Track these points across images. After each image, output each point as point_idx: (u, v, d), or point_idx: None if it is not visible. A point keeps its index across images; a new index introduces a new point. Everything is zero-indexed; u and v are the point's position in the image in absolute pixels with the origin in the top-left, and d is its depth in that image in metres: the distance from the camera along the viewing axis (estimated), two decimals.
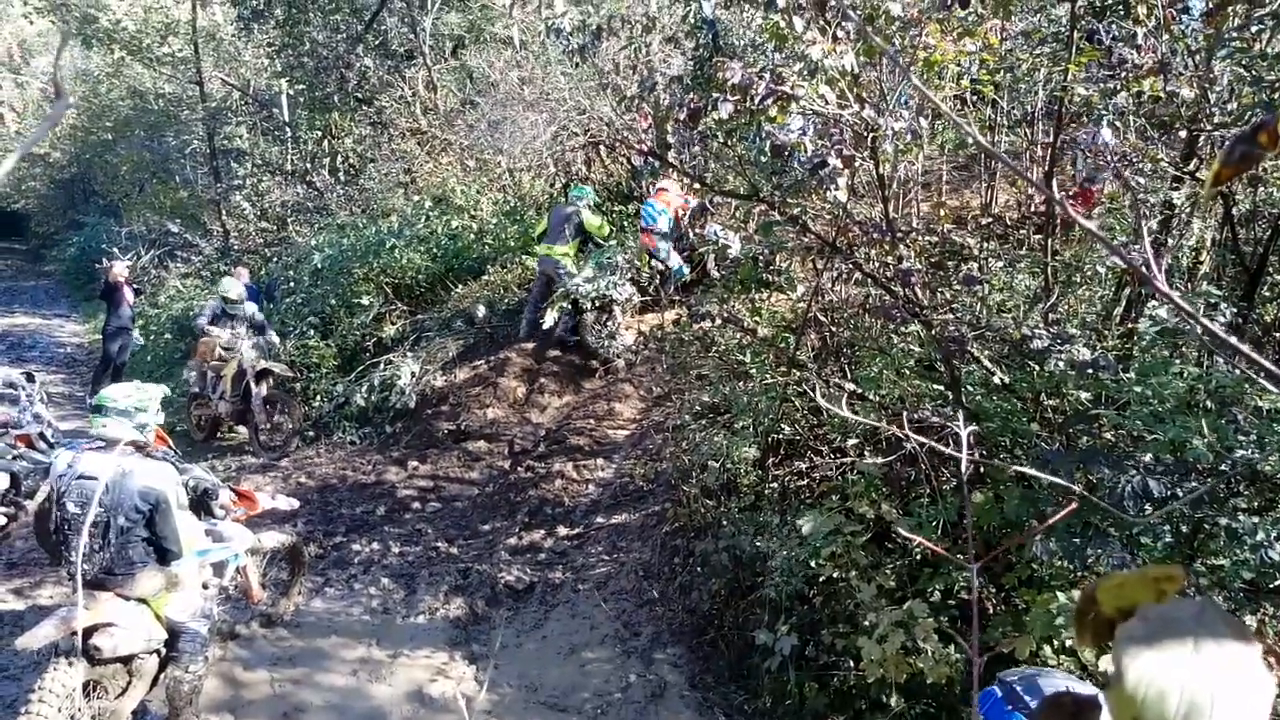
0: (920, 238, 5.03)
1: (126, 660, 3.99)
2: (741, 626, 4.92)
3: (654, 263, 8.62)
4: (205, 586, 4.43)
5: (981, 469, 4.44)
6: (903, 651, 3.87)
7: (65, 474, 3.90)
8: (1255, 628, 3.63)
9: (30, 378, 6.77)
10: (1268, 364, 0.71)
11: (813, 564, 4.45)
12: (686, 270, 8.50)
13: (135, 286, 11.64)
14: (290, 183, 14.60)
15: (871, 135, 4.03)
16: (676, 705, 4.58)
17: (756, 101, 3.86)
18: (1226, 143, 0.58)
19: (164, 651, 4.15)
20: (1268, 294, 5.12)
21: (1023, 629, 3.67)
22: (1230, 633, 0.49)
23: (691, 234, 8.52)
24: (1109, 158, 4.28)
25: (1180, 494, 3.28)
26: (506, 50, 12.41)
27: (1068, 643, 3.47)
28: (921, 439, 3.49)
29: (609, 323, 8.68)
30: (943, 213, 6.42)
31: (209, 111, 16.56)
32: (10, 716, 3.72)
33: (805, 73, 3.78)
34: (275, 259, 13.80)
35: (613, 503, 6.79)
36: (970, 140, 5.27)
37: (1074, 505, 3.13)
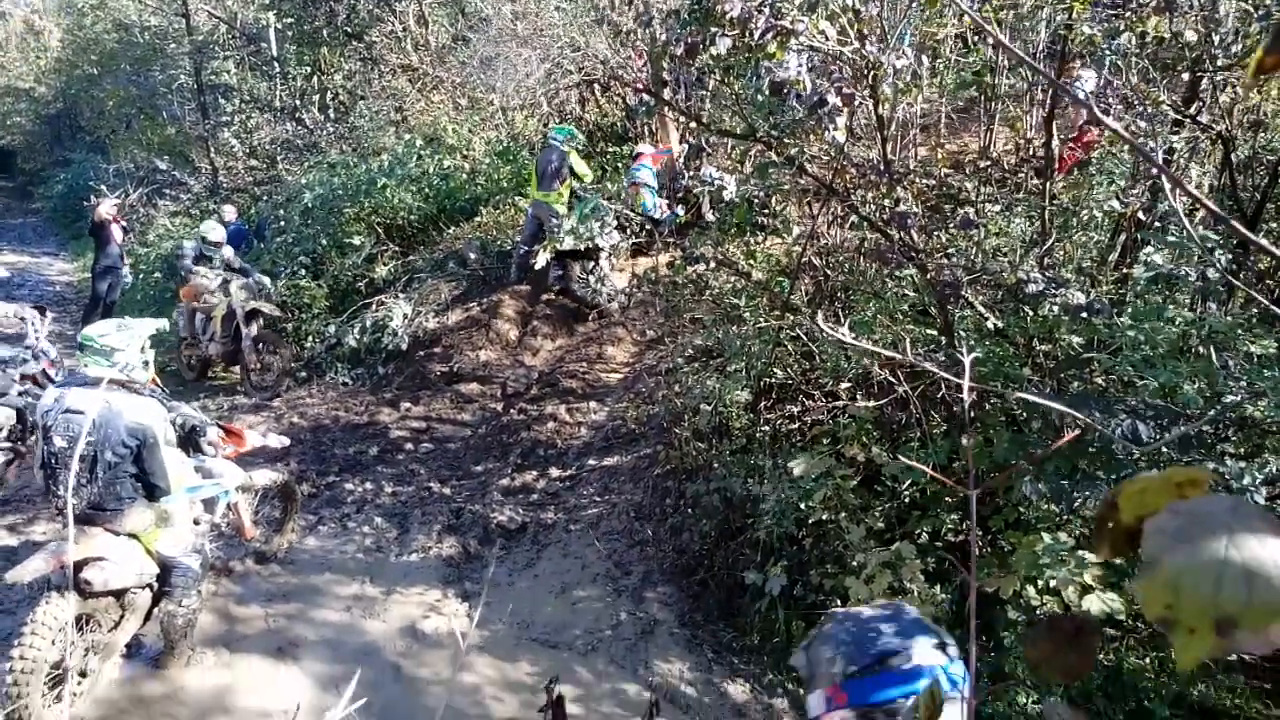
0: (918, 180, 4.97)
1: (118, 594, 4.02)
2: (731, 567, 4.97)
3: (645, 206, 8.56)
4: (196, 522, 4.45)
5: (973, 414, 4.45)
6: (890, 591, 3.92)
7: (52, 408, 3.89)
8: None
9: (42, 311, 6.71)
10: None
11: (803, 506, 4.49)
12: (680, 212, 8.43)
13: (123, 225, 11.51)
14: (279, 120, 14.36)
15: (872, 73, 3.96)
16: (666, 642, 4.65)
17: (755, 37, 3.78)
18: (1271, 29, 0.55)
19: (157, 586, 4.18)
20: (1264, 240, 5.10)
21: (1008, 569, 3.71)
22: (1267, 527, 0.47)
23: (686, 176, 8.44)
24: (1108, 100, 4.22)
25: (1169, 437, 3.29)
26: None
27: (1052, 583, 3.50)
28: (916, 377, 3.49)
29: (596, 269, 8.64)
30: (940, 155, 6.35)
31: (195, 45, 16.22)
32: (5, 649, 3.75)
33: (805, 7, 3.69)
34: (265, 198, 13.63)
35: (605, 445, 6.81)
36: (970, 84, 5.19)
37: (1075, 434, 3.14)
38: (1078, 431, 3.10)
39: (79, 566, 3.83)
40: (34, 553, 3.89)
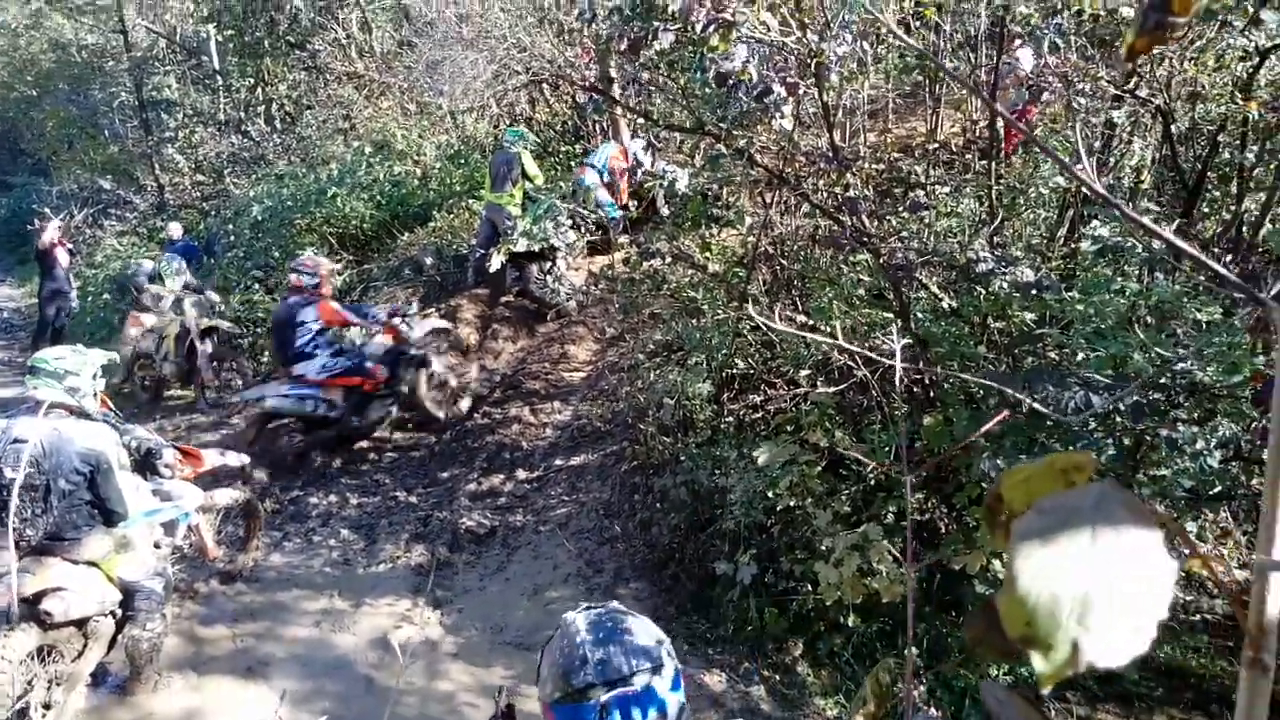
0: (867, 166, 5.01)
1: (80, 624, 3.94)
2: (702, 558, 4.98)
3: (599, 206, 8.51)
4: (157, 546, 4.37)
5: (932, 393, 4.50)
6: (859, 573, 3.94)
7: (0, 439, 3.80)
8: (1195, 532, 3.76)
9: None
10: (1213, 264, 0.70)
11: (770, 494, 4.51)
12: (631, 207, 8.41)
13: (69, 248, 11.28)
14: (224, 133, 14.14)
15: (815, 61, 3.98)
16: None
17: (698, 30, 3.78)
18: (1138, 12, 0.55)
19: (120, 613, 4.10)
20: (1206, 210, 5.20)
21: (974, 546, 3.75)
22: (1130, 518, 0.46)
23: (639, 171, 8.43)
24: (1048, 79, 4.28)
25: (1122, 407, 3.35)
26: None
27: None
28: (874, 361, 3.52)
29: (553, 269, 8.61)
30: (889, 140, 6.41)
31: (135, 62, 15.92)
32: None
33: None
34: (214, 213, 13.42)
35: (571, 444, 6.79)
36: (913, 68, 5.23)
37: (1005, 414, 3.19)
38: (1005, 413, 3.15)
39: (38, 598, 3.74)
40: None
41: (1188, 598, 4.34)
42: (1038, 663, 0.44)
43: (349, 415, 6.84)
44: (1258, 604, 0.50)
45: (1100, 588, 0.44)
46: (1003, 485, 0.54)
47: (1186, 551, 0.56)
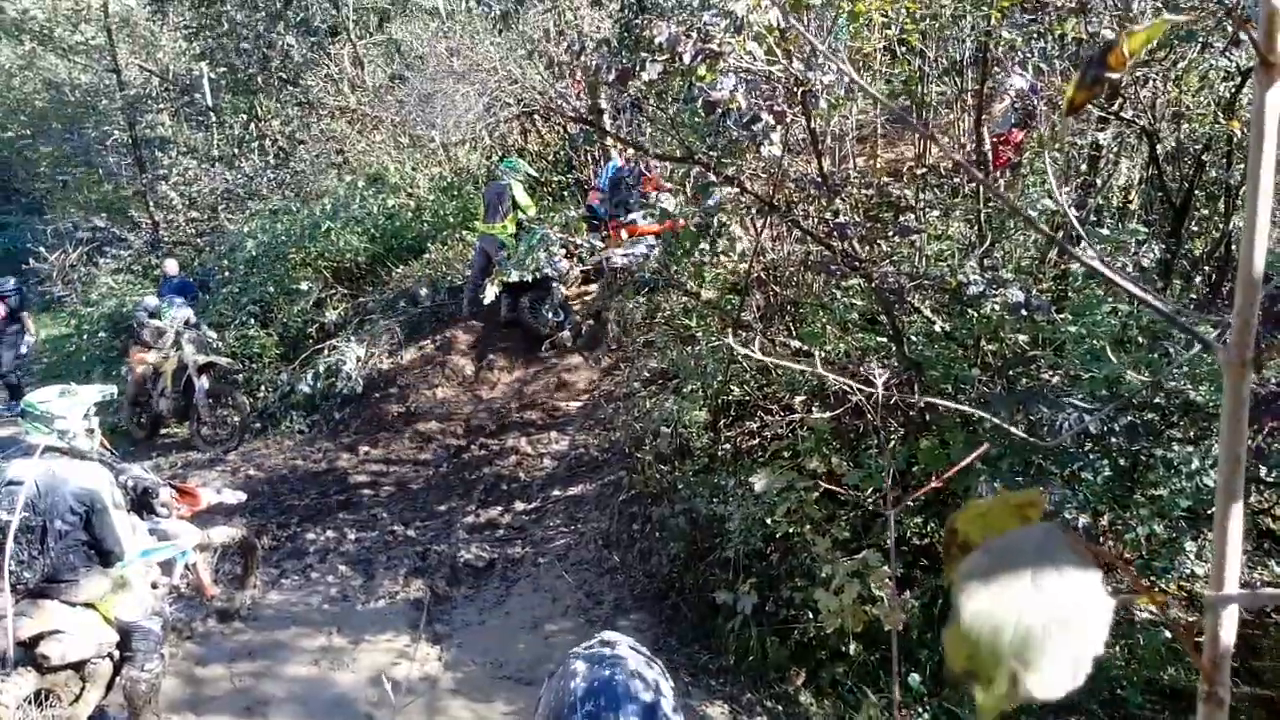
0: (856, 191, 5.05)
1: (78, 666, 3.91)
2: (702, 588, 4.96)
3: (588, 234, 8.51)
4: (155, 585, 4.34)
5: (927, 416, 4.50)
6: (859, 600, 3.92)
7: None
8: (1195, 552, 3.75)
9: None
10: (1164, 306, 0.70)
11: (769, 521, 4.50)
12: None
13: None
14: (218, 169, 14.18)
15: (801, 90, 4.02)
16: None
17: (685, 61, 3.82)
18: (1079, 69, 0.57)
19: (117, 655, 4.07)
20: (1195, 229, 5.24)
21: None
22: (1071, 559, 0.48)
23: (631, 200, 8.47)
24: (1033, 102, 4.32)
25: (1117, 428, 3.35)
26: (433, 21, 12.16)
27: None
28: (870, 385, 3.52)
29: (548, 299, 8.63)
30: (878, 165, 6.45)
31: (128, 100, 15.99)
32: None
33: (731, 29, 3.74)
34: (208, 249, 13.44)
35: (568, 474, 6.78)
36: (899, 93, 5.28)
37: (985, 447, 3.20)
38: (985, 447, 3.17)
39: (35, 641, 3.72)
40: None
41: (1190, 619, 4.33)
42: (979, 695, 0.46)
43: None
44: (1211, 639, 0.52)
45: (1038, 625, 0.46)
46: (958, 520, 0.56)
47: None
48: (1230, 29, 4.17)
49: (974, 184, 5.11)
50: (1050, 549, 0.48)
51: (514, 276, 7.17)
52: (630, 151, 8.73)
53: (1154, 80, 4.84)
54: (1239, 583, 0.54)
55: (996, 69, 4.63)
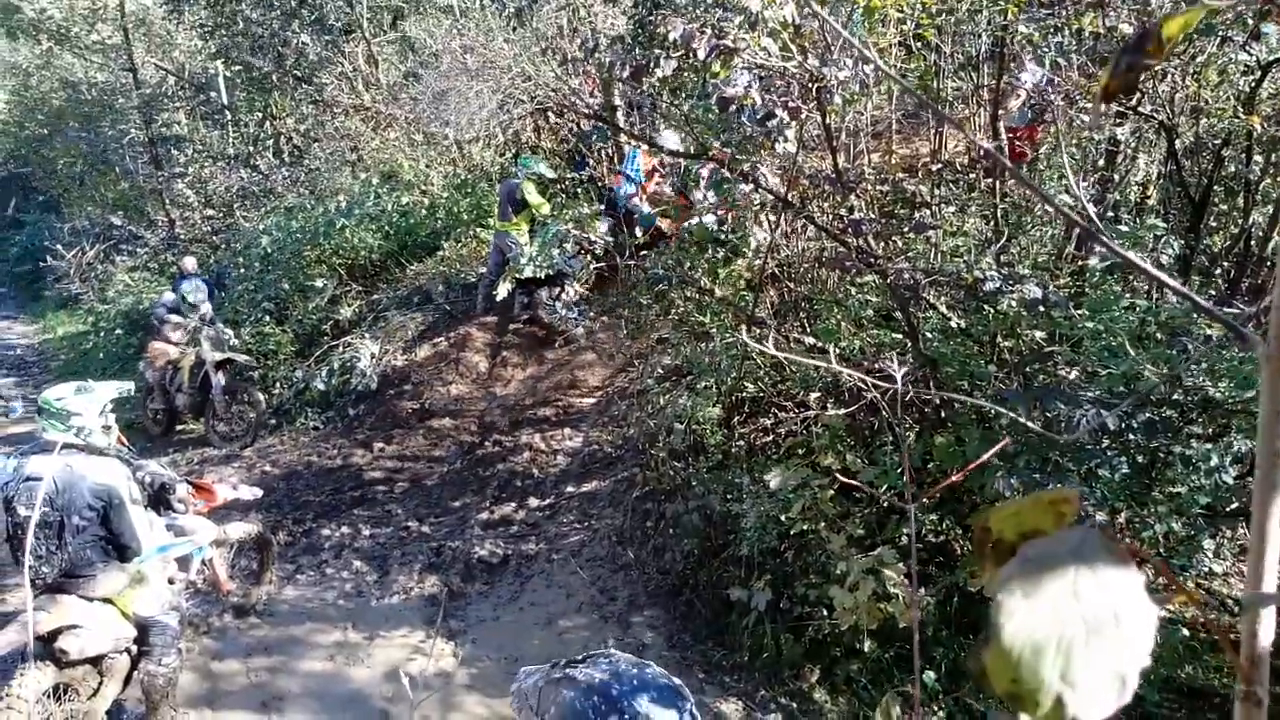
0: (871, 187, 5.03)
1: (96, 661, 3.94)
2: (716, 585, 4.95)
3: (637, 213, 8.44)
4: (171, 581, 4.37)
5: (943, 413, 4.48)
6: (874, 598, 3.92)
7: (12, 478, 3.82)
8: (1214, 549, 3.72)
9: None
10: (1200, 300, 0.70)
11: (783, 518, 4.49)
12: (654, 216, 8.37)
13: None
14: (233, 167, 14.25)
15: (816, 86, 4.00)
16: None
17: (699, 57, 3.81)
18: (1113, 55, 0.56)
19: (135, 650, 4.09)
20: (1214, 224, 5.20)
21: None
22: (1110, 562, 0.46)
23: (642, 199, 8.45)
24: (1049, 96, 4.29)
25: (1135, 425, 3.33)
26: (447, 19, 12.16)
27: None
28: (866, 380, 3.51)
29: (562, 295, 8.62)
30: (893, 161, 6.42)
31: (144, 98, 16.09)
32: None
33: (746, 25, 3.73)
34: (223, 246, 13.52)
35: (582, 471, 6.78)
36: (914, 88, 5.25)
37: (1002, 444, 3.18)
38: (1006, 440, 3.14)
39: (53, 636, 3.75)
40: (4, 623, 3.81)
41: (1210, 615, 4.29)
42: (1026, 718, 0.44)
43: None
44: (1249, 638, 0.50)
45: (1080, 639, 0.44)
46: (991, 518, 0.54)
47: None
48: (1250, 22, 4.13)
49: (990, 179, 5.08)
50: (1088, 554, 0.46)
51: (528, 272, 7.17)
52: (645, 147, 8.70)
53: (1172, 74, 4.79)
54: None
55: (1013, 64, 4.60)
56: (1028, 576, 0.46)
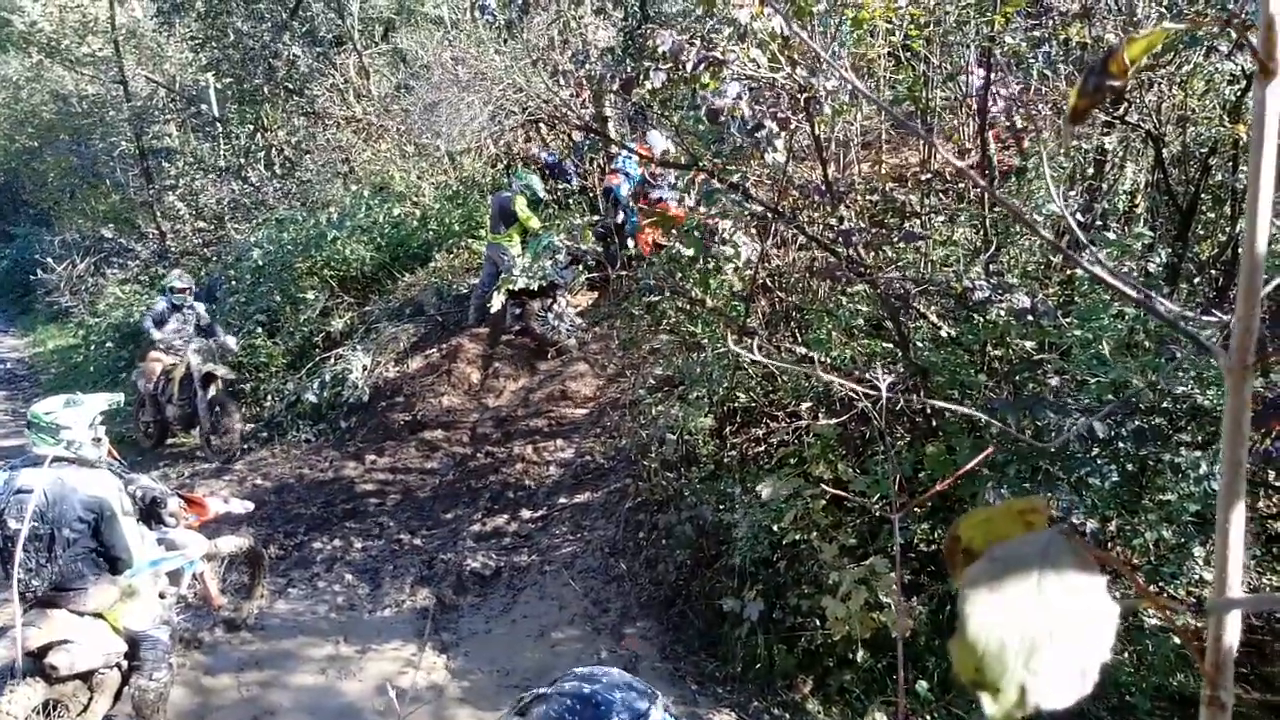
0: (861, 197, 5.05)
1: (86, 676, 3.91)
2: (709, 595, 4.95)
3: (596, 236, 8.48)
4: (162, 595, 4.35)
5: (934, 422, 4.49)
6: (866, 607, 3.92)
7: (3, 492, 3.80)
8: (1204, 557, 3.73)
9: None
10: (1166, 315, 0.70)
11: (775, 528, 4.49)
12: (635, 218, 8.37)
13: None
14: (225, 179, 14.23)
15: (805, 96, 4.02)
16: (649, 677, 4.60)
17: (688, 69, 3.83)
18: (1080, 76, 0.57)
19: (126, 665, 4.07)
20: (1202, 233, 5.23)
21: None
22: (1075, 565, 0.48)
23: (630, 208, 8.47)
24: (1036, 106, 4.32)
25: (1124, 433, 3.34)
26: (438, 31, 12.20)
27: None
28: (857, 390, 3.51)
29: (554, 306, 8.63)
30: (883, 170, 6.45)
31: (135, 111, 16.06)
32: None
33: (735, 37, 3.75)
34: (215, 259, 13.49)
35: (574, 482, 6.78)
36: (903, 99, 5.29)
37: (990, 452, 3.19)
38: (989, 450, 3.16)
39: (44, 651, 3.73)
40: None
41: (1200, 625, 4.30)
42: (987, 705, 0.46)
43: None
44: (1214, 643, 0.51)
45: (1044, 633, 0.46)
46: (961, 527, 0.56)
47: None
48: (1233, 34, 4.17)
49: (979, 189, 5.11)
50: (1054, 555, 0.48)
51: (520, 284, 7.16)
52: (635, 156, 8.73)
53: (1159, 84, 4.83)
54: (1245, 587, 0.54)
55: (1001, 75, 4.63)
56: (994, 574, 0.48)
